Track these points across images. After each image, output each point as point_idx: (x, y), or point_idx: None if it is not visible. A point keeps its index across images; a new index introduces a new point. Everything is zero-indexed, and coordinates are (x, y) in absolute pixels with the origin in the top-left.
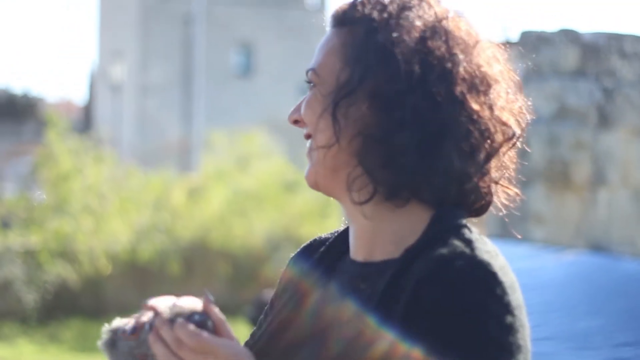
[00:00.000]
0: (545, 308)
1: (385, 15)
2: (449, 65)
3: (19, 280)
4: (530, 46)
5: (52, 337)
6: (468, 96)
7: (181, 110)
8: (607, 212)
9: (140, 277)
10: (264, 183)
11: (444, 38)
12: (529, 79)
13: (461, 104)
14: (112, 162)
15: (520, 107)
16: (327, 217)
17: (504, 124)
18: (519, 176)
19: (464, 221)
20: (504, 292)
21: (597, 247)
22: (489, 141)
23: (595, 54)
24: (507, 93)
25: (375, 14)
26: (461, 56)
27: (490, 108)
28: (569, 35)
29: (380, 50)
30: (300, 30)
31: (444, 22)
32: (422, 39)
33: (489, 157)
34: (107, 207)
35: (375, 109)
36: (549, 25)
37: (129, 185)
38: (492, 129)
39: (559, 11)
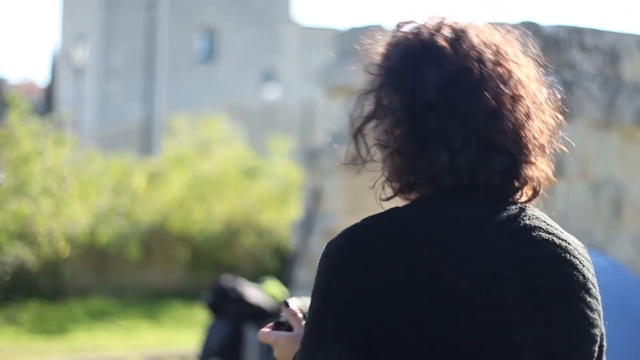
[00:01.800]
0: None
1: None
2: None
3: None
4: None
5: (9, 319)
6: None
7: (143, 95)
8: (564, 204)
9: (99, 260)
10: (225, 169)
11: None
12: None
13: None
14: (72, 144)
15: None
16: (286, 204)
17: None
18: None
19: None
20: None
21: None
22: None
23: (555, 47)
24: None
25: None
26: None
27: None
28: (530, 28)
29: None
30: (264, 17)
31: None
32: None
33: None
34: (67, 190)
35: None
36: (510, 17)
37: (90, 168)
38: None
39: (520, 4)
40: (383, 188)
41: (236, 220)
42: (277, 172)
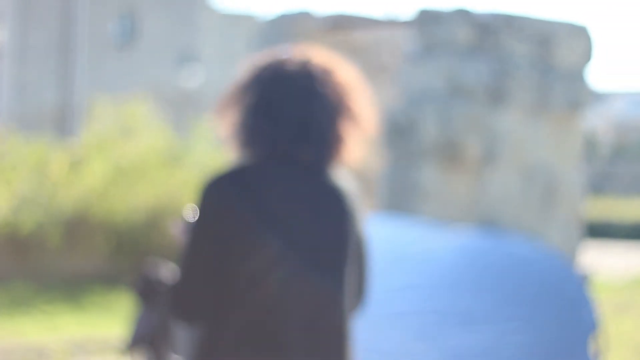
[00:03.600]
0: (432, 284)
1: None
2: None
3: None
4: (426, 24)
5: None
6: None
7: (61, 78)
8: (497, 191)
9: (19, 246)
10: (147, 154)
11: None
12: (424, 57)
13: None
14: None
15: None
16: None
17: None
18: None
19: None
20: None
21: (487, 226)
22: None
23: (489, 34)
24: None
25: None
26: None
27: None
28: (464, 15)
29: None
30: (184, 3)
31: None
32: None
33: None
34: None
35: None
36: (445, 4)
37: (6, 151)
38: None
39: None
40: (237, 151)
41: (160, 206)
42: (201, 157)
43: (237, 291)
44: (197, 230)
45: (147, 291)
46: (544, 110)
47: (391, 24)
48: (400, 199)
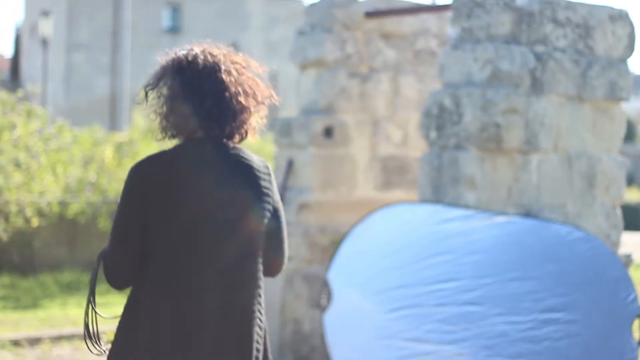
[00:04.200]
0: (476, 272)
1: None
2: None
3: None
4: (465, 10)
5: None
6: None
7: (108, 68)
8: (538, 177)
9: (69, 232)
10: None
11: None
12: (463, 44)
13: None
14: (44, 117)
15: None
16: None
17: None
18: (452, 140)
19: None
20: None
21: (528, 212)
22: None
23: (528, 20)
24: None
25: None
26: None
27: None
28: (504, 2)
29: None
30: None
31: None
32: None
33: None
34: (37, 162)
35: None
36: None
37: (59, 140)
38: None
39: None
40: (162, 135)
41: None
42: (247, 144)
43: (156, 249)
44: (120, 205)
45: None
46: (585, 96)
47: (434, 9)
48: (441, 185)
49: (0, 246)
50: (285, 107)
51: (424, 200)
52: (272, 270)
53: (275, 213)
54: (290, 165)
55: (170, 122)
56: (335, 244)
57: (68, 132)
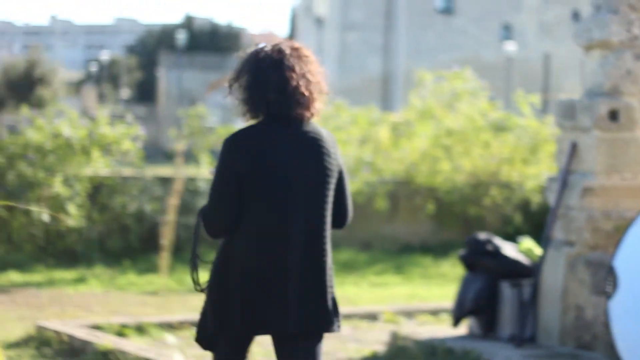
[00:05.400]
0: None
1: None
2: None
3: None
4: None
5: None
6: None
7: (382, 47)
8: None
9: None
10: (471, 122)
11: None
12: None
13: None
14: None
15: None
16: (533, 160)
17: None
18: None
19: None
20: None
21: None
22: None
23: None
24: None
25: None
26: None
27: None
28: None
29: None
30: None
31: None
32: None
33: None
34: None
35: None
36: None
37: (337, 120)
38: None
39: None
40: (246, 116)
41: (482, 174)
42: (524, 126)
43: (248, 204)
44: (219, 169)
45: (475, 257)
46: None
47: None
48: None
49: None
50: (560, 89)
51: None
52: (338, 222)
53: (339, 175)
54: (573, 148)
55: (248, 107)
56: (620, 230)
57: (346, 111)
